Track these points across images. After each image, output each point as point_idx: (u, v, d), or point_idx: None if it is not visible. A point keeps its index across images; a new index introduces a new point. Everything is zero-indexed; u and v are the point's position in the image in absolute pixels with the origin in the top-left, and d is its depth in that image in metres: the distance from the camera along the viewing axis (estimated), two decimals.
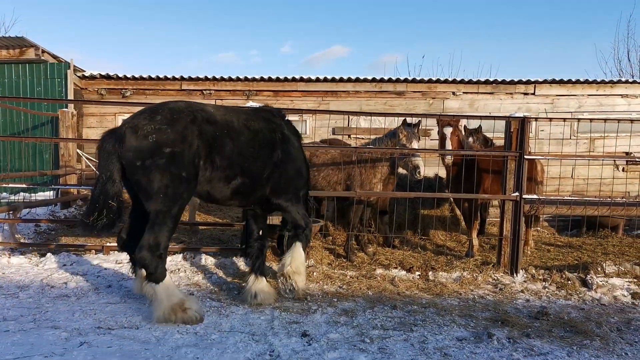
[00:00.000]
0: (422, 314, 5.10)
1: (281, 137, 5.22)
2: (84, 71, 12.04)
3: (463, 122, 11.55)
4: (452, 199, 9.22)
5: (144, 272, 4.58)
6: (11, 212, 7.36)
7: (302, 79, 12.37)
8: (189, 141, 4.40)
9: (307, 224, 5.45)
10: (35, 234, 8.20)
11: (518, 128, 6.71)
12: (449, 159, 7.29)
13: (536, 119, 7.17)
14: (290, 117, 12.27)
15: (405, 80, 12.52)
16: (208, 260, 6.75)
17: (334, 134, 12.51)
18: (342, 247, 7.83)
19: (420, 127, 7.52)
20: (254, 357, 3.88)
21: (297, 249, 5.43)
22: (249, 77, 12.22)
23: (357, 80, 12.43)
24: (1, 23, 38.69)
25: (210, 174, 4.64)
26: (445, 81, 12.50)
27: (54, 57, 11.19)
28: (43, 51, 10.61)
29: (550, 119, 7.12)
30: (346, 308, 5.22)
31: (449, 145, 7.44)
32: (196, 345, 4.01)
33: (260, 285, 5.35)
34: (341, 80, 12.42)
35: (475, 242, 7.84)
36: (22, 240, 7.43)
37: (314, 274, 6.39)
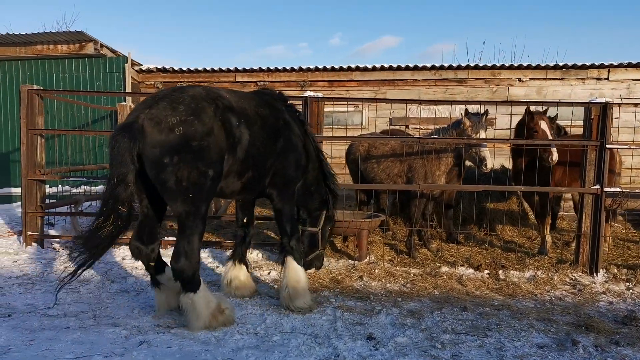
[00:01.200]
0: (495, 317, 4.70)
1: (283, 123, 4.78)
2: (141, 65, 12.15)
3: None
4: (519, 192, 8.64)
5: (167, 281, 4.26)
6: (73, 205, 7.43)
7: (357, 68, 12.01)
8: (216, 133, 3.97)
9: (292, 232, 4.86)
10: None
11: (599, 115, 6.13)
12: (555, 157, 6.57)
13: (619, 104, 6.54)
14: (347, 107, 12.05)
15: (467, 67, 11.93)
16: (259, 255, 6.57)
17: (391, 124, 12.09)
18: (404, 243, 7.47)
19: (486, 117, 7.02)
20: None
21: (290, 266, 4.79)
22: (304, 67, 11.97)
23: (416, 68, 11.94)
24: (62, 19, 40.21)
25: (228, 167, 4.20)
26: (510, 67, 11.81)
27: (113, 51, 11.34)
28: (102, 45, 10.75)
29: (636, 105, 6.48)
30: (412, 309, 4.88)
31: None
32: (257, 347, 3.79)
33: (237, 272, 5.05)
34: (399, 68, 11.96)
35: (549, 238, 7.29)
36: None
37: (376, 271, 6.07)
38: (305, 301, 4.70)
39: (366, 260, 6.51)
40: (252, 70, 12.11)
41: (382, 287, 5.62)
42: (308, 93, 6.24)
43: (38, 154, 6.64)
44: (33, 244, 6.65)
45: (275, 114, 4.71)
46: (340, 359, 3.69)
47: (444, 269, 6.24)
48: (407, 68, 11.95)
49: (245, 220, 5.16)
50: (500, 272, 6.17)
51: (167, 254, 6.35)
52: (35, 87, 6.66)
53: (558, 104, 6.75)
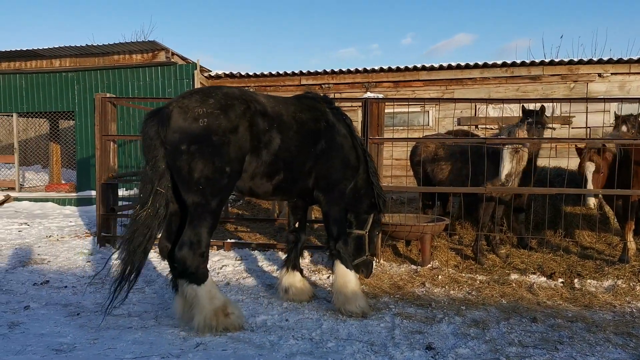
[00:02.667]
0: (568, 330, 4.37)
1: (325, 125, 4.72)
2: (210, 71, 12.51)
3: (613, 108, 10.21)
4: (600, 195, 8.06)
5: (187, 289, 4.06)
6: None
7: (423, 68, 11.74)
8: (240, 133, 4.00)
9: (339, 234, 4.75)
10: None
11: None
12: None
13: None
14: (412, 108, 11.81)
15: (542, 63, 11.34)
16: (319, 259, 6.52)
17: (459, 124, 11.72)
18: (470, 248, 7.17)
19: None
20: None
21: (339, 270, 4.72)
22: (368, 68, 11.86)
23: (485, 65, 11.50)
24: (141, 30, 42.48)
25: (254, 170, 4.23)
26: (590, 62, 11.10)
27: (183, 58, 11.75)
28: (173, 54, 11.17)
29: None
30: (476, 318, 4.64)
31: (590, 185, 6.22)
32: (311, 354, 3.72)
33: (292, 279, 4.97)
34: (467, 66, 11.58)
35: (632, 245, 6.74)
36: None
37: (439, 277, 5.85)
38: (358, 305, 4.59)
39: (429, 265, 6.30)
40: (316, 73, 12.14)
41: (445, 294, 5.40)
42: (368, 94, 6.14)
43: (111, 158, 6.96)
44: (107, 244, 6.98)
45: (316, 117, 4.68)
46: None
47: (513, 276, 5.91)
48: (476, 66, 11.54)
49: (297, 225, 5.13)
50: (575, 280, 5.76)
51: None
52: (108, 95, 6.99)
53: (622, 100, 6.22)
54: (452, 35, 57.24)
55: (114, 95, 7.55)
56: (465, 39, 54.81)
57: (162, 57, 11.04)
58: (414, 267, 6.28)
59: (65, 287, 5.31)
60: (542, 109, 6.79)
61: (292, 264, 5.05)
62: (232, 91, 4.20)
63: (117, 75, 11.68)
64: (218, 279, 5.72)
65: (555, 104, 11.24)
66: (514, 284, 5.66)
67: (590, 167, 6.15)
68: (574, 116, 10.83)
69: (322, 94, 5.12)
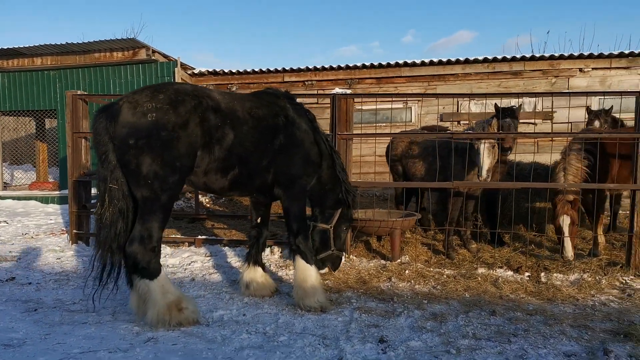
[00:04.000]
0: (525, 323, 4.39)
1: (284, 120, 4.72)
2: (194, 69, 12.51)
3: (591, 102, 10.22)
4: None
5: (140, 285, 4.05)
6: None
7: (405, 64, 11.75)
8: (190, 128, 4.01)
9: (299, 230, 4.77)
10: None
11: None
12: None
13: None
14: (395, 105, 11.82)
15: (523, 59, 11.36)
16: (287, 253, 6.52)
17: (441, 120, 11.74)
18: (443, 243, 7.20)
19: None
20: None
21: (299, 266, 4.74)
22: (350, 65, 11.86)
23: (467, 61, 11.52)
24: (131, 29, 42.68)
25: (207, 165, 4.25)
26: (570, 57, 11.12)
27: (165, 56, 11.75)
28: (154, 51, 11.16)
29: None
30: (436, 312, 4.67)
31: (568, 243, 6.17)
32: (261, 348, 3.74)
33: (253, 274, 5.00)
34: (449, 62, 11.59)
35: (601, 239, 6.77)
36: None
37: (406, 272, 5.87)
38: (317, 300, 4.60)
39: (399, 260, 6.32)
40: (299, 70, 12.15)
41: (410, 288, 5.43)
42: (336, 90, 6.14)
43: (83, 156, 6.96)
44: (79, 241, 6.99)
45: (274, 112, 4.68)
46: None
47: (481, 270, 5.94)
48: (457, 62, 11.56)
49: (259, 220, 5.14)
50: (542, 275, 5.78)
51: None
52: (79, 92, 6.99)
53: (604, 94, 6.24)
54: (453, 33, 57.18)
55: (85, 93, 7.53)
56: (465, 36, 54.75)
57: (142, 54, 11.03)
58: (383, 262, 6.31)
59: (30, 283, 5.32)
60: (518, 107, 6.80)
61: (253, 259, 5.06)
62: (184, 87, 4.22)
63: (98, 73, 11.66)
64: (184, 275, 5.74)
65: (537, 99, 11.27)
66: (479, 278, 5.68)
67: (566, 221, 6.18)
68: (555, 111, 10.86)
69: (283, 90, 5.12)
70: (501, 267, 6.07)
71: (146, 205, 3.96)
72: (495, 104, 6.71)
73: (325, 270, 5.41)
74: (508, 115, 6.58)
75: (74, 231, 6.96)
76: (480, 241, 7.30)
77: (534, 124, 11.26)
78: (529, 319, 4.51)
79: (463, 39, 53.60)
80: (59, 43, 10.72)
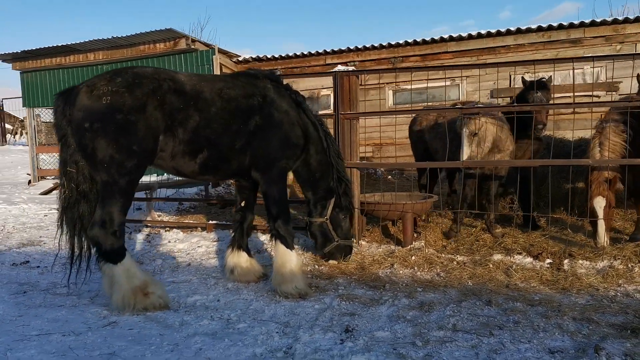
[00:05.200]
0: (521, 314, 3.96)
1: (261, 101, 4.52)
2: (239, 56, 12.59)
3: None
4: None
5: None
6: (147, 191, 7.97)
7: (452, 38, 11.09)
8: (148, 112, 3.93)
9: (279, 214, 4.57)
10: (177, 212, 8.80)
11: None
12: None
13: None
14: (441, 83, 11.20)
15: (582, 25, 10.32)
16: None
17: (492, 97, 11.00)
18: (474, 228, 6.72)
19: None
20: (265, 353, 3.36)
21: (278, 250, 4.60)
22: (393, 43, 11.38)
23: (519, 31, 10.66)
24: (197, 22, 44.40)
25: (172, 149, 4.15)
26: (637, 20, 9.95)
27: (206, 45, 11.91)
28: (193, 40, 11.35)
29: None
30: (426, 300, 4.34)
31: (602, 226, 5.54)
32: (213, 335, 3.63)
33: (237, 259, 4.88)
34: (499, 34, 10.80)
35: None
36: (158, 218, 8.00)
37: (412, 258, 5.52)
38: (295, 286, 4.42)
39: (411, 246, 5.95)
40: (340, 52, 11.86)
41: (410, 275, 5.10)
42: (338, 67, 5.85)
43: None
44: None
45: (249, 93, 4.51)
46: (291, 351, 3.39)
47: (496, 257, 5.45)
48: (508, 33, 10.75)
49: (243, 204, 5.02)
50: (565, 262, 5.21)
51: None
52: None
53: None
54: (556, 5, 53.13)
55: None
56: (569, 7, 50.71)
57: (182, 44, 11.26)
58: (393, 248, 5.98)
59: (38, 267, 5.57)
60: (549, 79, 6.16)
61: (237, 243, 4.97)
62: (144, 70, 4.17)
63: (144, 65, 12.05)
64: (183, 259, 5.76)
65: (599, 69, 10.23)
66: (491, 265, 5.23)
67: (600, 203, 5.51)
68: (621, 81, 9.80)
69: (265, 71, 4.95)
70: (520, 254, 5.54)
71: (105, 189, 3.96)
72: (522, 77, 6.13)
73: (339, 260, 5.28)
74: (539, 88, 5.98)
75: None
76: (510, 225, 6.72)
77: (597, 96, 10.22)
78: (527, 310, 4.08)
79: (567, 10, 49.43)
80: (107, 38, 11.19)
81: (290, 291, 4.42)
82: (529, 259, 5.37)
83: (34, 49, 11.99)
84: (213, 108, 4.27)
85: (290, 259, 4.55)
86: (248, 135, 4.45)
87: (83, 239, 4.17)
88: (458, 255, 5.62)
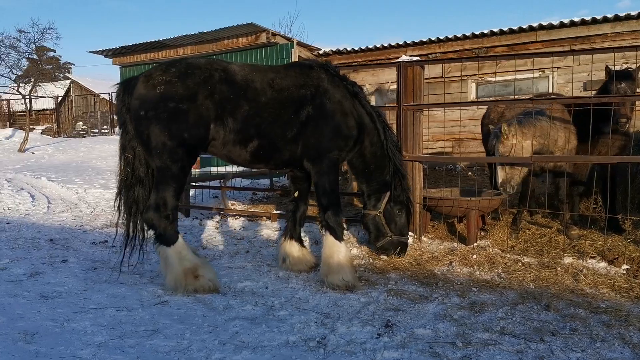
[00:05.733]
0: (581, 321, 3.68)
1: (314, 92, 4.49)
2: (319, 49, 12.69)
3: None
4: None
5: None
6: (222, 180, 8.28)
7: (541, 27, 10.43)
8: (198, 100, 4.07)
9: (329, 204, 4.52)
10: (250, 201, 9.06)
11: None
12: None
13: None
14: (529, 75, 10.57)
15: None
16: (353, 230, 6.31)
17: (585, 89, 10.22)
18: (548, 228, 6.30)
19: None
20: (298, 341, 3.38)
21: (327, 241, 4.58)
22: (477, 32, 10.91)
23: (617, 19, 9.81)
24: (287, 16, 45.61)
25: (223, 137, 4.26)
26: None
27: (287, 38, 12.11)
28: (273, 34, 11.58)
29: None
30: (479, 301, 4.15)
31: None
32: (252, 320, 3.71)
33: (289, 249, 4.91)
34: (594, 21, 9.99)
35: None
36: (231, 206, 8.29)
37: (474, 256, 5.28)
38: (342, 278, 4.39)
39: (475, 244, 5.70)
40: (422, 43, 11.58)
41: (469, 274, 4.88)
42: (403, 57, 5.70)
43: None
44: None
45: (302, 83, 4.54)
46: (324, 341, 3.38)
47: (567, 260, 5.06)
48: (605, 20, 9.91)
49: (296, 194, 5.06)
50: None
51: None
52: None
53: None
54: None
55: None
56: None
57: (263, 38, 11.53)
58: (456, 245, 5.75)
59: (113, 246, 5.96)
60: (636, 69, 5.61)
61: (290, 233, 5.02)
62: (198, 61, 4.34)
63: (228, 59, 12.45)
64: (243, 247, 5.92)
65: None
66: (559, 268, 4.87)
67: None
68: None
69: (319, 61, 4.93)
70: (594, 257, 5.11)
71: (160, 174, 4.17)
72: (607, 65, 5.64)
73: (391, 256, 5.17)
74: (622, 78, 5.48)
75: None
76: (590, 227, 6.21)
77: None
78: (589, 317, 3.77)
79: None
80: (194, 33, 11.74)
81: (337, 282, 4.40)
82: (603, 264, 4.94)
83: (130, 44, 12.86)
84: (263, 98, 4.35)
85: (339, 250, 4.53)
86: (300, 125, 4.48)
87: (139, 222, 4.42)
88: (525, 257, 5.29)
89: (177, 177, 4.19)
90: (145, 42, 12.61)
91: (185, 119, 4.08)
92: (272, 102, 4.37)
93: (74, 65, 47.65)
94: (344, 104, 4.66)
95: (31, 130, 26.11)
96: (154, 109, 4.06)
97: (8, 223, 7.17)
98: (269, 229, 6.57)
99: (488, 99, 5.87)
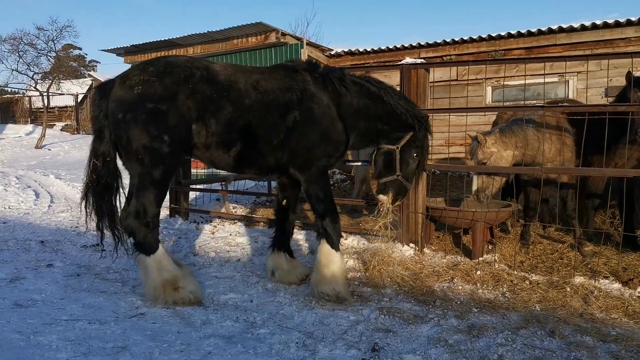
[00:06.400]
0: (587, 351, 3.37)
1: (300, 95, 4.20)
2: (331, 50, 12.42)
3: None
4: None
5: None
6: (223, 183, 8.07)
7: (561, 30, 10.01)
8: (179, 100, 3.82)
9: (326, 211, 4.26)
10: (252, 204, 8.84)
11: None
12: None
13: None
14: (549, 79, 10.17)
15: None
16: (349, 241, 6.04)
17: (606, 95, 9.78)
18: (562, 244, 5.95)
19: None
20: None
21: (322, 249, 4.31)
22: (494, 35, 10.53)
23: None
24: (304, 17, 45.56)
25: (205, 139, 4.00)
26: None
27: (297, 38, 11.87)
28: (283, 34, 11.34)
29: None
30: (479, 323, 3.85)
31: None
32: (229, 339, 3.46)
33: (278, 260, 4.67)
34: (617, 24, 9.55)
35: None
36: (232, 211, 8.08)
37: (478, 272, 4.96)
38: (334, 288, 4.14)
39: (481, 259, 5.37)
40: (436, 45, 11.22)
41: (470, 292, 4.57)
42: (406, 60, 5.40)
43: None
44: (175, 215, 7.45)
45: (287, 86, 4.26)
46: None
47: (578, 279, 4.71)
48: (629, 23, 9.46)
49: (284, 203, 4.79)
50: None
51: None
52: None
53: None
54: None
55: None
56: None
57: (272, 38, 11.30)
58: (460, 259, 5.42)
59: (104, 250, 5.78)
60: None
61: (278, 244, 4.78)
62: (176, 59, 4.12)
63: (237, 58, 12.23)
64: (235, 254, 5.70)
65: None
66: (568, 289, 4.53)
67: None
68: None
69: (305, 62, 4.62)
70: (607, 277, 4.76)
71: (140, 180, 3.96)
72: (629, 71, 5.27)
73: (388, 197, 4.59)
74: None
75: (172, 206, 7.44)
76: (605, 243, 5.82)
77: None
78: (597, 346, 3.46)
79: None
80: (203, 32, 11.57)
81: (328, 292, 4.15)
82: (616, 285, 4.59)
83: (141, 43, 12.75)
84: (247, 100, 4.11)
85: (334, 260, 4.28)
86: (286, 130, 4.23)
87: (118, 228, 4.22)
88: (533, 274, 4.96)
89: (158, 182, 3.97)
90: (155, 40, 12.49)
91: (165, 119, 3.84)
92: (256, 104, 4.12)
93: (99, 63, 48.18)
94: (332, 107, 4.38)
95: (51, 126, 26.40)
96: (132, 111, 3.83)
97: (4, 223, 7.05)
98: (265, 236, 6.31)
99: (495, 105, 5.47)
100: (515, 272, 5.00)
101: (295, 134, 4.24)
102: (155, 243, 4.05)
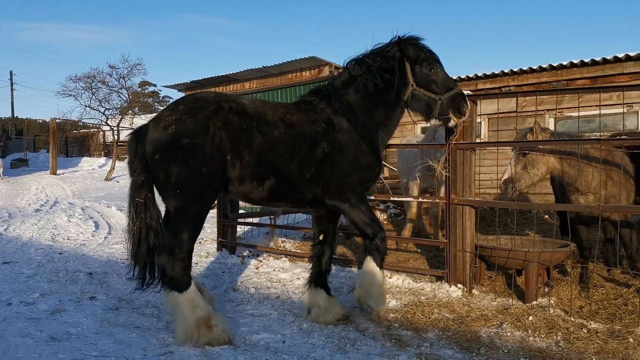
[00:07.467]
0: None
1: (325, 127, 4.21)
2: None
3: None
4: None
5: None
6: (272, 217, 8.04)
7: (628, 58, 9.45)
8: (211, 132, 3.85)
9: (375, 232, 4.36)
10: (302, 238, 8.74)
11: None
12: None
13: None
14: (616, 110, 9.58)
15: None
16: (397, 281, 5.79)
17: None
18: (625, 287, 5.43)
19: None
20: None
21: (367, 265, 4.41)
22: (555, 64, 10.08)
23: None
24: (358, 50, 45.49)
25: (239, 172, 3.99)
26: None
27: None
28: (336, 67, 11.38)
29: None
30: None
31: None
32: None
33: (314, 298, 4.56)
34: None
35: None
36: (280, 245, 8.01)
37: (530, 317, 4.58)
38: (378, 303, 4.41)
39: (535, 302, 4.98)
40: (494, 76, 10.91)
41: (520, 340, 4.21)
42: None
43: None
44: (223, 249, 7.46)
45: (312, 119, 4.29)
46: None
47: None
48: None
49: (321, 237, 4.67)
50: None
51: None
52: None
53: None
54: None
55: None
56: None
57: (326, 71, 11.38)
58: (512, 302, 5.05)
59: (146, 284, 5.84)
60: None
61: (315, 280, 4.65)
62: (205, 95, 4.21)
63: (292, 92, 12.39)
64: (275, 291, 5.54)
65: None
66: (631, 340, 4.09)
67: None
68: None
69: (315, 90, 4.65)
70: None
71: (176, 215, 3.97)
72: None
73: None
74: None
75: (219, 239, 7.47)
76: None
77: None
78: None
79: None
80: (258, 67, 11.83)
81: (373, 307, 4.42)
82: None
83: (200, 79, 13.21)
84: (276, 131, 4.13)
85: (378, 280, 4.41)
86: (317, 163, 4.23)
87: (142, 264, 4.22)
88: (592, 322, 4.52)
89: (194, 217, 3.97)
90: (213, 76, 12.90)
91: (202, 152, 3.87)
92: (285, 137, 4.14)
93: (172, 98, 50.53)
94: (352, 131, 4.39)
95: (122, 160, 27.71)
96: (169, 150, 3.88)
97: (60, 253, 7.31)
98: (308, 272, 6.18)
99: (548, 139, 5.04)
100: (572, 319, 4.58)
101: (327, 165, 4.24)
102: (188, 280, 4.01)
